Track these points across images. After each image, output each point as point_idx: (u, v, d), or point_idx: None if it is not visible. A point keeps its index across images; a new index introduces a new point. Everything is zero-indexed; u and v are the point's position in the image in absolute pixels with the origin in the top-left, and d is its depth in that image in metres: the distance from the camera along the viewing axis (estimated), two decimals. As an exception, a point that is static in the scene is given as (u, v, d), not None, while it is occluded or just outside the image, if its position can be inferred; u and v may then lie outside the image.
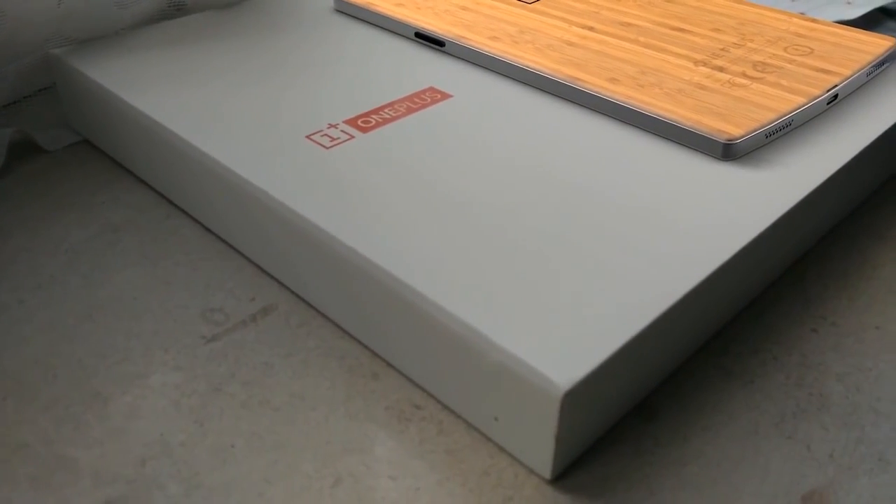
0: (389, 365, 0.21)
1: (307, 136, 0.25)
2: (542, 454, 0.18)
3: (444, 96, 0.27)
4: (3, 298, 0.23)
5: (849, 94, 0.27)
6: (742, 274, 0.22)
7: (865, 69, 0.27)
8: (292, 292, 0.23)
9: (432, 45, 0.31)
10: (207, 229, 0.26)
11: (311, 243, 0.21)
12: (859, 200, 0.27)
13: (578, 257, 0.20)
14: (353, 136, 0.25)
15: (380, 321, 0.20)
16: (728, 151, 0.24)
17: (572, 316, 0.18)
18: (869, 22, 0.40)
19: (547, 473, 0.18)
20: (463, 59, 0.30)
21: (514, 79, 0.29)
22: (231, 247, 0.25)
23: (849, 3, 0.42)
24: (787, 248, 0.24)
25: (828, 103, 0.26)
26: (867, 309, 0.23)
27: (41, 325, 0.22)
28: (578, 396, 0.17)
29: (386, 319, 0.20)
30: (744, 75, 0.27)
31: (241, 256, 0.25)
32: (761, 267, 0.23)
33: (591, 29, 0.30)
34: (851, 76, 0.27)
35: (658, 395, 0.20)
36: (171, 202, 0.27)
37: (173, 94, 0.27)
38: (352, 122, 0.26)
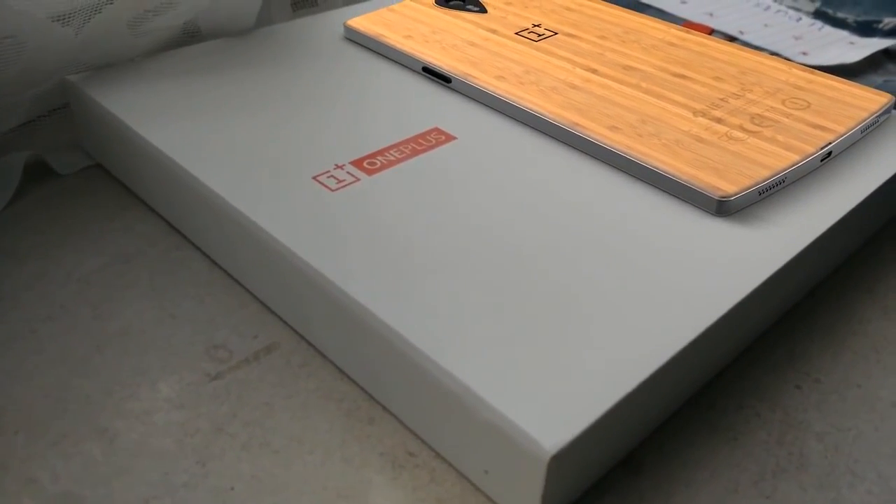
0: (386, 409, 0.22)
1: (314, 177, 0.26)
2: (529, 509, 0.18)
3: (449, 138, 0.28)
4: (17, 328, 0.24)
5: (842, 151, 0.28)
6: (731, 331, 0.22)
7: (860, 126, 0.28)
8: (295, 331, 0.24)
9: (439, 80, 0.32)
10: (214, 262, 0.27)
11: (313, 287, 0.22)
12: (848, 254, 0.28)
13: (570, 314, 0.21)
14: (358, 179, 0.26)
15: (376, 368, 0.21)
16: (722, 208, 0.24)
17: (562, 375, 0.19)
18: (870, 63, 0.41)
19: (533, 527, 0.19)
20: (468, 97, 0.31)
21: (518, 120, 0.29)
22: (237, 281, 0.26)
23: (852, 43, 0.43)
24: (777, 303, 0.25)
25: (821, 160, 0.27)
26: (851, 366, 0.24)
27: (52, 357, 0.23)
28: (565, 458, 0.18)
29: (382, 367, 0.21)
30: (741, 128, 0.27)
31: (247, 292, 0.26)
32: (750, 322, 0.23)
33: (594, 71, 0.31)
34: (846, 133, 0.27)
35: (644, 448, 0.21)
36: (180, 232, 0.28)
37: (184, 127, 0.28)
38: (358, 163, 0.26)
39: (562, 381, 0.19)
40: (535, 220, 0.24)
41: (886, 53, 0.42)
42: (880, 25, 0.45)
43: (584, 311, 0.21)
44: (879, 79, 0.40)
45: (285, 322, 0.24)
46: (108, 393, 0.22)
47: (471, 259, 0.22)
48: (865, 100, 0.29)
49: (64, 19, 0.27)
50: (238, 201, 0.24)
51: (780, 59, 0.32)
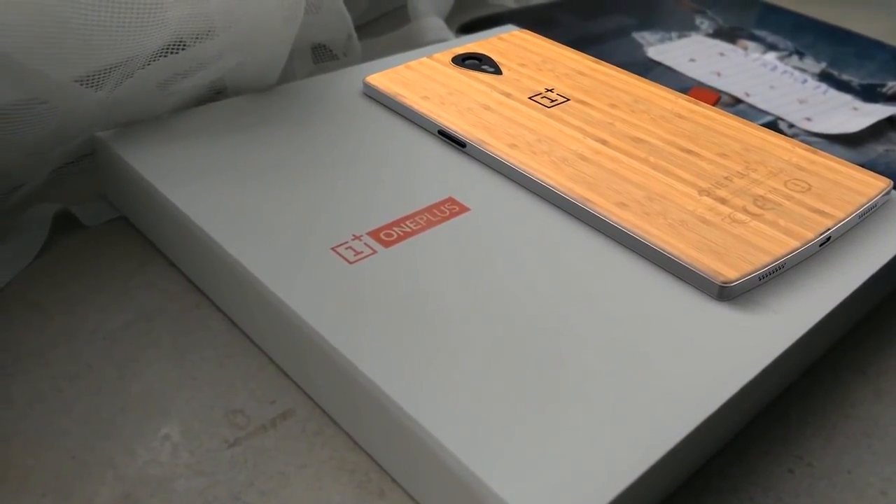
0: (395, 481, 0.23)
1: (333, 248, 0.27)
2: None
3: (463, 209, 0.29)
4: (44, 386, 0.25)
5: (840, 235, 0.29)
6: (728, 417, 0.23)
7: (858, 211, 0.29)
8: (309, 397, 0.25)
9: (454, 144, 0.33)
10: (233, 322, 0.28)
11: (327, 360, 0.23)
12: (843, 334, 0.29)
13: (573, 398, 0.22)
14: (375, 251, 0.27)
15: (385, 442, 0.22)
16: (723, 293, 0.26)
17: (565, 464, 0.20)
18: (872, 131, 0.42)
19: None
20: (482, 163, 0.32)
21: (530, 190, 0.30)
22: (254, 343, 0.27)
23: (855, 108, 0.44)
24: (773, 386, 0.26)
25: (820, 245, 0.28)
26: (842, 451, 0.25)
27: (78, 418, 0.24)
28: (566, 549, 0.19)
29: (391, 442, 0.22)
30: (744, 210, 0.28)
31: (264, 354, 0.27)
32: (746, 407, 0.24)
33: (604, 142, 0.32)
34: (845, 219, 0.28)
35: (640, 530, 0.22)
36: (200, 290, 0.29)
37: (207, 188, 0.29)
38: (375, 234, 0.27)
39: (564, 469, 0.20)
40: (544, 297, 0.25)
41: (890, 121, 0.43)
42: (884, 90, 0.47)
43: (586, 396, 0.22)
44: (881, 147, 0.41)
45: (300, 388, 0.25)
46: (131, 455, 0.23)
47: (478, 338, 0.23)
48: (865, 184, 0.30)
49: (97, 84, 0.28)
50: (257, 269, 0.25)
51: (783, 137, 0.33)
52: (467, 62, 0.39)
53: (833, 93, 0.46)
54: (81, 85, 0.28)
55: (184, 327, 0.27)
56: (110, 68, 0.29)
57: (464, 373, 0.22)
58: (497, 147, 0.32)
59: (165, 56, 0.30)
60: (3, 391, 0.25)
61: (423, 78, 0.37)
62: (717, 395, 0.22)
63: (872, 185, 0.30)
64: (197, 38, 0.30)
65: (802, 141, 0.40)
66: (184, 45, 0.30)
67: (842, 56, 0.50)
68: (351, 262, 0.26)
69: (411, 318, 0.24)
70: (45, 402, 0.24)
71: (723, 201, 0.29)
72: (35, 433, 0.23)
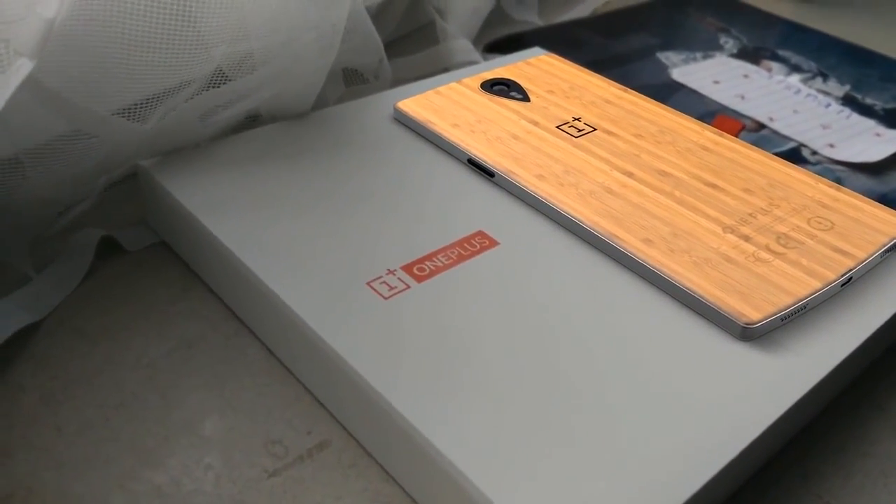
0: (428, 514, 0.24)
1: (368, 283, 0.28)
2: None
3: (493, 243, 0.30)
4: (90, 414, 0.26)
5: (862, 275, 0.29)
6: (750, 458, 0.24)
7: (880, 251, 0.30)
8: (344, 428, 0.26)
9: (483, 173, 0.34)
10: (271, 351, 0.29)
11: (361, 394, 0.24)
12: (862, 370, 0.30)
13: (598, 437, 0.23)
14: (409, 286, 0.28)
15: (418, 477, 0.23)
16: (746, 334, 0.26)
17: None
18: (894, 159, 0.42)
19: None
20: (511, 193, 0.33)
21: (557, 223, 0.31)
22: (291, 373, 0.28)
23: (878, 134, 0.44)
24: (794, 426, 0.26)
25: (842, 285, 0.28)
26: (860, 489, 0.26)
27: (125, 446, 0.25)
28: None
29: (422, 477, 0.23)
30: (767, 249, 0.29)
31: (300, 384, 0.28)
32: (767, 447, 0.25)
33: (630, 175, 0.33)
34: (867, 259, 0.29)
35: (663, 567, 0.23)
36: (238, 318, 0.30)
37: (245, 218, 0.30)
38: (408, 268, 0.28)
39: (593, 514, 0.21)
40: (570, 334, 0.26)
41: (911, 149, 0.44)
42: (907, 115, 0.47)
43: (608, 436, 0.23)
44: (903, 176, 0.41)
45: (336, 418, 0.27)
46: (177, 485, 0.24)
47: (505, 376, 0.24)
48: (886, 223, 0.31)
49: (141, 118, 0.30)
50: (295, 304, 0.26)
51: (807, 172, 0.34)
52: (496, 88, 0.39)
53: (856, 117, 0.46)
54: (127, 119, 0.29)
55: (223, 355, 0.28)
56: (154, 101, 0.30)
57: (493, 409, 0.23)
58: (525, 178, 0.33)
59: (207, 90, 0.31)
60: (52, 419, 0.26)
61: (452, 104, 0.38)
62: (739, 439, 0.23)
63: (894, 223, 0.31)
64: (239, 68, 0.31)
65: (825, 169, 0.41)
66: (226, 79, 0.31)
67: (865, 78, 0.51)
68: (386, 298, 0.27)
69: (443, 354, 0.25)
70: (93, 429, 0.26)
71: (746, 239, 0.30)
72: (84, 461, 0.25)
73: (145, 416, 0.26)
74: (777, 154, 0.42)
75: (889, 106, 0.48)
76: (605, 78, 0.41)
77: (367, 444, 0.25)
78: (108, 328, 0.29)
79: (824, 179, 0.33)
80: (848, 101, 0.48)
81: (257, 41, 0.31)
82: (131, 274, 0.32)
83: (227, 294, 0.30)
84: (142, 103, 0.29)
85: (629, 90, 0.40)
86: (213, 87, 0.31)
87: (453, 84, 0.39)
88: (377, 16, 0.46)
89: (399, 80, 0.46)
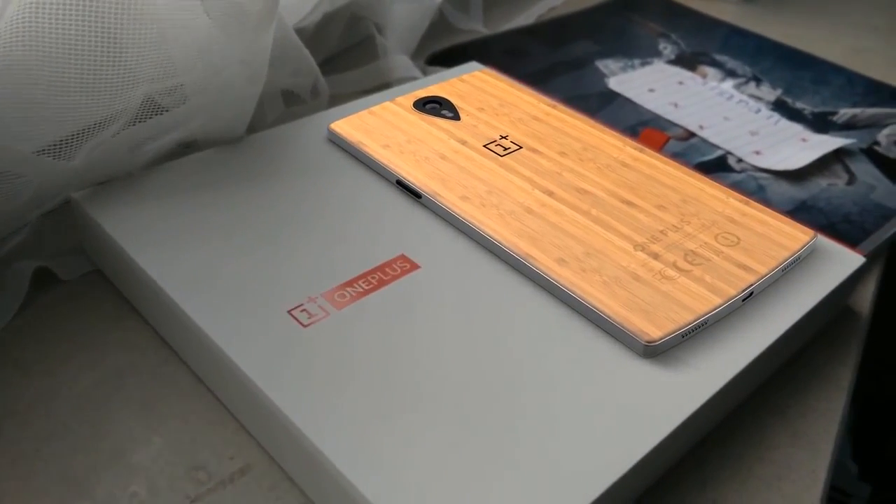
0: (342, 535, 0.25)
1: (289, 311, 0.29)
2: None
3: (413, 267, 0.31)
4: (24, 447, 0.27)
5: (763, 289, 0.31)
6: (648, 468, 0.26)
7: (781, 266, 0.31)
8: (266, 452, 0.27)
9: (411, 194, 0.35)
10: (199, 378, 0.30)
11: (278, 423, 0.25)
12: (764, 379, 0.31)
13: (499, 448, 0.24)
14: (328, 314, 0.29)
15: (333, 501, 0.25)
16: (647, 351, 0.28)
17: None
18: (819, 164, 0.44)
19: None
20: (436, 215, 0.34)
21: (478, 243, 0.32)
22: (218, 399, 0.29)
23: (804, 140, 0.46)
24: (693, 436, 0.28)
25: (743, 300, 0.30)
26: (754, 496, 0.27)
27: (54, 478, 0.26)
28: None
29: (337, 502, 0.24)
30: (674, 266, 0.31)
31: (226, 410, 0.29)
32: (666, 456, 0.27)
33: (551, 194, 0.34)
34: (768, 274, 0.30)
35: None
36: (169, 346, 0.31)
37: (173, 251, 0.31)
38: (329, 295, 0.30)
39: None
40: (484, 356, 0.27)
41: (836, 153, 0.45)
42: (835, 118, 0.48)
43: (512, 445, 0.24)
44: (825, 181, 0.43)
45: (258, 443, 0.28)
46: (102, 514, 0.25)
47: (420, 398, 0.26)
48: (790, 237, 0.32)
49: (69, 156, 0.30)
50: (215, 334, 0.28)
51: (719, 186, 0.35)
52: (428, 106, 0.41)
53: (784, 123, 0.48)
54: (53, 156, 0.30)
55: (152, 383, 0.30)
56: (81, 137, 0.31)
57: (403, 434, 0.25)
58: (449, 199, 0.34)
59: (135, 124, 0.32)
60: (-15, 451, 0.27)
61: (384, 124, 0.39)
62: (636, 450, 0.25)
63: (798, 238, 0.32)
64: (170, 96, 0.32)
65: (749, 177, 0.42)
66: (157, 109, 0.32)
67: (798, 81, 0.52)
68: (305, 326, 0.28)
69: (355, 382, 0.26)
70: (24, 462, 0.27)
71: (655, 256, 0.31)
72: (14, 494, 0.26)
73: (75, 447, 0.27)
74: (703, 163, 0.43)
75: (818, 109, 0.49)
76: (535, 93, 0.42)
77: (287, 468, 0.27)
78: (42, 359, 0.30)
79: (735, 193, 0.35)
80: (778, 106, 0.49)
81: (186, 75, 0.32)
82: (67, 304, 0.33)
83: (157, 323, 0.31)
84: (67, 140, 0.30)
85: (558, 106, 0.41)
86: (141, 120, 0.32)
87: (387, 103, 0.41)
88: (317, 33, 0.47)
89: (339, 97, 0.47)
